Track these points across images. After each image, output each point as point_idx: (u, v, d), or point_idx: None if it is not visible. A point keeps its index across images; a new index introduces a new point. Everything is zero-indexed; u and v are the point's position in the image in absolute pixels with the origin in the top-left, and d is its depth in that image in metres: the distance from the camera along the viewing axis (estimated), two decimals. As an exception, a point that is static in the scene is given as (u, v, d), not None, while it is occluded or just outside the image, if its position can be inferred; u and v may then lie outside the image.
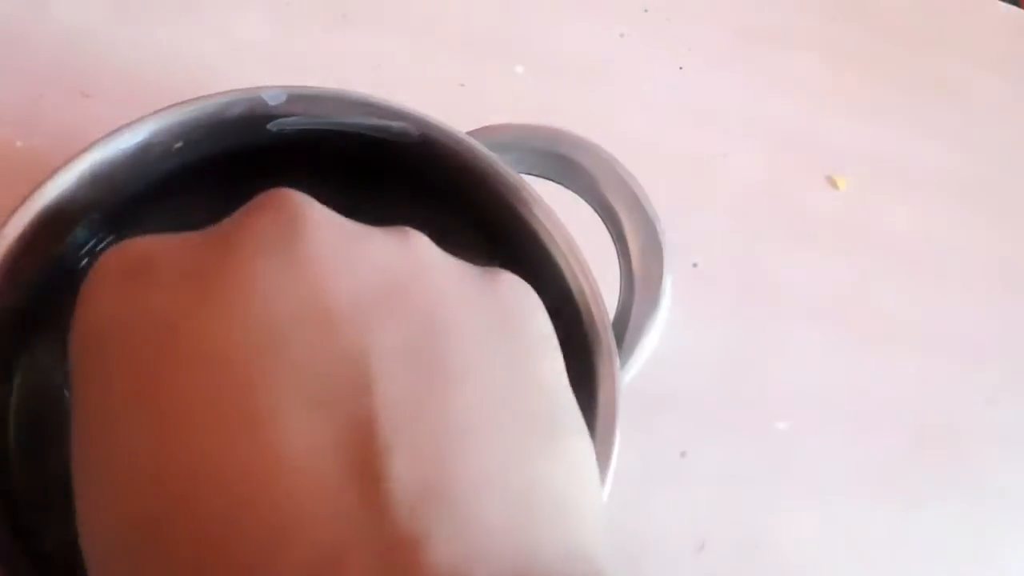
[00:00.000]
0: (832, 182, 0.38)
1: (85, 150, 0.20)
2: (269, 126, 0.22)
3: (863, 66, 0.41)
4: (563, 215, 0.23)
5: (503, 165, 0.22)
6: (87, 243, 0.22)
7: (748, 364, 0.34)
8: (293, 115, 0.22)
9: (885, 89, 0.40)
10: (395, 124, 0.22)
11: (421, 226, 0.16)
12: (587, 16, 0.39)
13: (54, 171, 0.19)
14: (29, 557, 0.18)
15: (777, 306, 0.35)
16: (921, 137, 0.40)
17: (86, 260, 0.22)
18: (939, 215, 0.38)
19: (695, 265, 0.35)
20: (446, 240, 0.16)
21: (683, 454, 0.32)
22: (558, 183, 0.24)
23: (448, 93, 0.36)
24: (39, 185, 0.19)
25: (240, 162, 0.24)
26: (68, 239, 0.21)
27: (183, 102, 0.21)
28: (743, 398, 0.33)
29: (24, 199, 0.19)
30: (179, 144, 0.21)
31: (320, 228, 0.12)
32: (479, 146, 0.22)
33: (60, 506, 0.20)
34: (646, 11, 0.39)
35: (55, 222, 0.20)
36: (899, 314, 0.36)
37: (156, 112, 0.21)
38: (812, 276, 0.36)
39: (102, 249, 0.22)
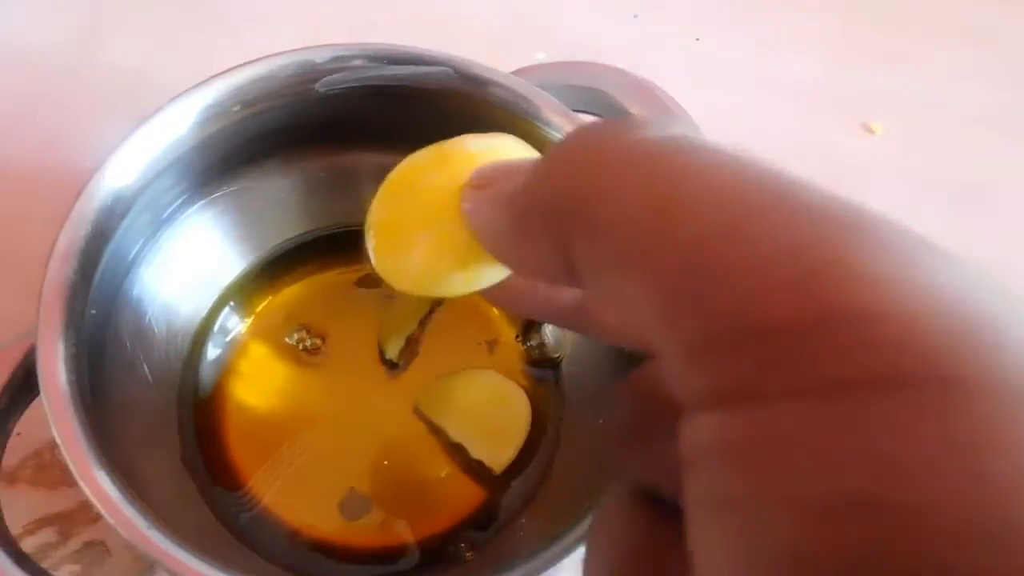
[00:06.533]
0: (867, 128, 0.38)
1: (157, 111, 0.21)
2: (317, 86, 0.23)
3: (880, 17, 0.41)
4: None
5: (551, 97, 0.23)
6: (175, 201, 0.23)
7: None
8: (339, 72, 0.23)
9: (906, 37, 0.41)
10: (436, 70, 0.23)
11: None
12: (600, 2, 0.40)
13: (123, 140, 0.20)
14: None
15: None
16: (953, 76, 0.40)
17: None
18: (980, 150, 0.38)
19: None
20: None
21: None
22: (598, 115, 0.24)
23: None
24: (120, 143, 0.20)
25: (299, 137, 0.25)
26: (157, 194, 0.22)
27: (236, 66, 0.22)
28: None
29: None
30: (236, 107, 0.22)
31: None
32: (523, 82, 0.23)
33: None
34: (656, -10, 0.40)
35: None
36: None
37: (213, 76, 0.22)
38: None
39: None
